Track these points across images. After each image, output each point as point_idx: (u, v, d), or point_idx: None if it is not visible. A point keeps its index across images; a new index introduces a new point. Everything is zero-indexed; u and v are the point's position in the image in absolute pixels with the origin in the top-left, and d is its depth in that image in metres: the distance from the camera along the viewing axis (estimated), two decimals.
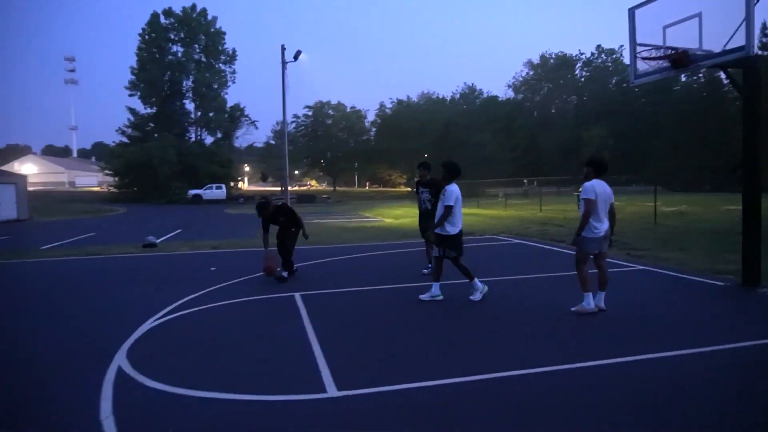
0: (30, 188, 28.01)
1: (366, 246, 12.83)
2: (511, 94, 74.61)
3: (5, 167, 46.13)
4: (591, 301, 5.77)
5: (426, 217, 7.98)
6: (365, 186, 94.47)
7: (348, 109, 78.02)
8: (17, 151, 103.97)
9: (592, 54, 70.08)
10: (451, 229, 6.44)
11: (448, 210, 6.36)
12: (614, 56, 68.30)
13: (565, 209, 23.42)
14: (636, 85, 10.85)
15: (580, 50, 70.61)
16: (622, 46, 65.85)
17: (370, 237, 15.05)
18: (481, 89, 75.00)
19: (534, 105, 72.14)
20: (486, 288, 6.66)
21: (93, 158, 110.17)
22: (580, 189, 5.93)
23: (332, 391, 3.84)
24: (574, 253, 6.06)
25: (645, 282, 7.74)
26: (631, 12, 7.67)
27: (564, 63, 70.28)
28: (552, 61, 71.05)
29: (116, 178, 52.38)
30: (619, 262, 9.09)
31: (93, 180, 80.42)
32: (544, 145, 61.39)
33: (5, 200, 23.46)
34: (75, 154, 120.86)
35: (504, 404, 3.60)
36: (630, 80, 8.18)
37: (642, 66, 7.61)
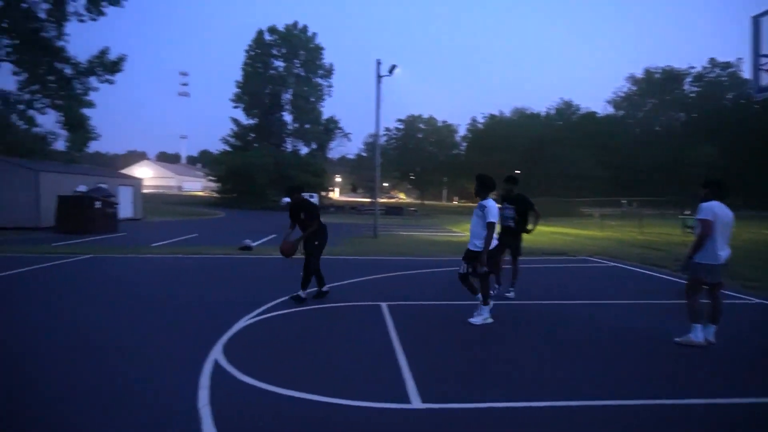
0: (144, 190, 30.56)
1: (453, 261, 12.70)
2: (610, 110, 71.19)
3: (125, 171, 50.88)
4: (700, 334, 5.31)
5: (507, 235, 7.60)
6: (453, 200, 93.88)
7: (439, 123, 78.22)
8: (135, 157, 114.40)
9: (704, 68, 65.14)
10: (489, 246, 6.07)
11: (493, 227, 5.94)
12: (730, 70, 63.02)
13: (669, 233, 21.82)
14: (759, 100, 9.95)
15: (689, 64, 65.72)
16: (740, 58, 60.64)
17: (457, 252, 14.87)
18: (578, 105, 72.27)
19: (636, 122, 68.24)
20: (491, 320, 6.22)
21: (199, 165, 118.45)
22: (689, 212, 5.53)
23: (416, 402, 3.82)
24: (678, 279, 5.62)
25: (761, 317, 7.00)
26: (755, 20, 7.07)
27: (671, 77, 65.88)
28: (657, 75, 66.90)
29: (218, 184, 56.01)
30: (732, 293, 8.31)
31: (198, 185, 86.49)
32: (645, 164, 57.71)
33: (124, 200, 25.77)
34: (184, 161, 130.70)
35: None
36: (753, 94, 7.52)
37: (766, 79, 6.97)
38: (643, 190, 48.97)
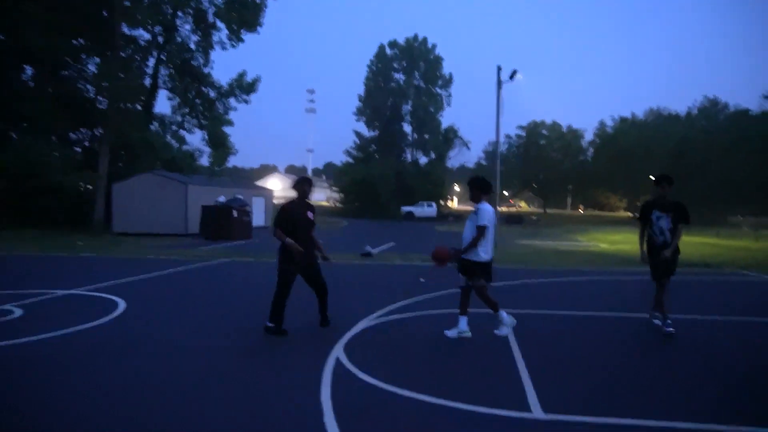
0: (275, 201, 32.83)
1: (578, 270, 12.01)
2: (767, 106, 62.88)
3: (258, 183, 55.19)
4: None
5: (660, 251, 5.97)
6: (578, 209, 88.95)
7: (564, 129, 74.72)
8: (267, 170, 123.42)
9: None
10: (485, 255, 5.63)
11: (482, 232, 5.52)
12: None
13: None
14: None
15: None
16: None
17: (583, 262, 14.05)
18: (726, 102, 64.80)
19: None
20: (515, 321, 5.78)
21: (324, 176, 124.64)
22: None
23: (537, 412, 3.66)
24: None
25: None
26: None
27: None
28: None
29: (341, 195, 58.47)
30: None
31: (322, 196, 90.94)
32: None
33: (257, 210, 27.92)
34: (310, 173, 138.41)
35: None
36: None
37: None
38: None
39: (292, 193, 6.03)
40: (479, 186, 5.73)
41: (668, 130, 58.96)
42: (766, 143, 52.58)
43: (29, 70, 26.66)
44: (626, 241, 22.26)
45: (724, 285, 10.11)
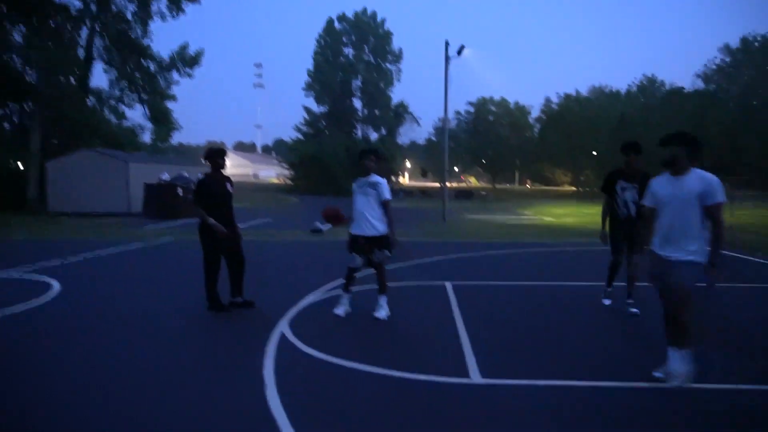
0: None
1: (522, 243, 12.39)
2: (700, 84, 66.00)
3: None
4: None
5: (629, 227, 5.49)
6: (525, 184, 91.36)
7: (511, 105, 76.04)
8: (223, 148, 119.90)
9: None
10: (382, 228, 5.37)
11: (390, 206, 5.38)
12: None
13: (765, 215, 20.11)
14: None
15: None
16: None
17: (528, 234, 14.50)
18: (662, 80, 67.63)
19: (731, 97, 62.83)
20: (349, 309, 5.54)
21: (273, 153, 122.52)
22: None
23: (476, 377, 3.80)
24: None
25: None
26: None
27: None
28: (757, 44, 61.16)
29: (291, 171, 57.64)
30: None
31: (272, 172, 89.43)
32: (742, 143, 53.05)
33: None
34: (259, 150, 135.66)
35: (657, 416, 3.22)
36: None
37: None
38: (741, 171, 45.25)
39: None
40: (379, 157, 5.58)
41: (610, 106, 61.09)
42: (696, 120, 55.35)
43: None
44: (570, 215, 23.14)
45: None
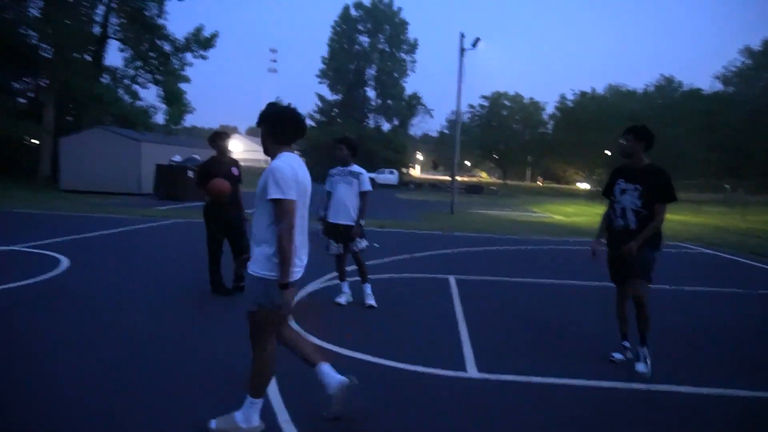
0: None
1: (530, 240, 12.36)
2: (719, 86, 65.00)
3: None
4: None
5: (624, 239, 3.96)
6: (537, 181, 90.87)
7: (526, 100, 75.46)
8: (227, 131, 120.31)
9: None
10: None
11: (367, 198, 5.41)
12: None
13: None
14: None
15: None
16: None
17: (536, 231, 14.45)
18: (680, 81, 66.68)
19: (748, 99, 61.85)
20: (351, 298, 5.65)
21: None
22: None
23: (472, 371, 3.82)
24: None
25: None
26: None
27: None
28: None
29: (303, 158, 57.78)
30: None
31: None
32: (757, 147, 52.27)
33: None
34: None
35: (654, 421, 3.23)
36: None
37: None
38: (755, 174, 44.64)
39: (221, 153, 5.72)
40: (352, 146, 5.46)
41: (625, 105, 60.37)
42: (710, 120, 54.38)
43: None
44: (581, 213, 23.01)
45: (666, 256, 10.60)
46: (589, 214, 23.21)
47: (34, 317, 4.66)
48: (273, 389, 3.30)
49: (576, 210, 26.26)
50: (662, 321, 5.06)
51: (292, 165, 2.71)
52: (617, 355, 4.17)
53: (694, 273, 8.79)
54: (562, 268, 8.53)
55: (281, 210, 2.59)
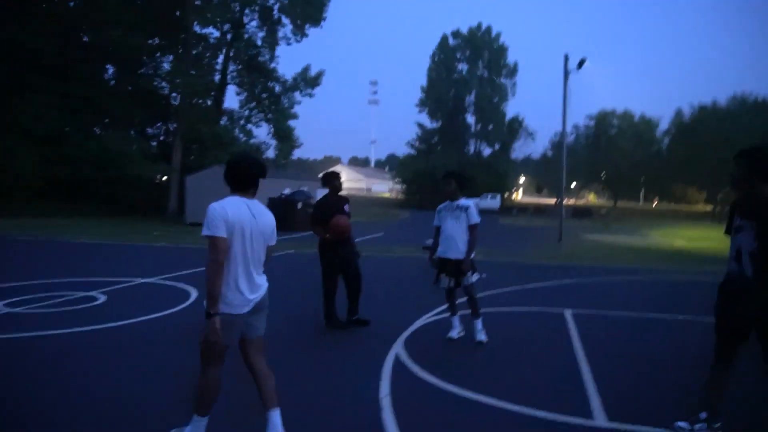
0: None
1: (649, 269, 11.46)
2: None
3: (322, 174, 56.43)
4: None
5: (738, 288, 3.31)
6: (651, 202, 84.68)
7: (636, 118, 71.15)
8: (330, 162, 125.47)
9: None
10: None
11: (477, 231, 5.34)
12: None
13: None
14: None
15: None
16: None
17: (655, 259, 13.40)
18: None
19: None
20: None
21: (386, 168, 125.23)
22: None
23: (601, 420, 3.55)
24: None
25: None
26: None
27: None
28: None
29: (404, 186, 58.58)
30: None
31: (385, 187, 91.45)
32: None
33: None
34: (372, 165, 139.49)
35: None
36: None
37: None
38: None
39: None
40: (464, 183, 5.54)
41: (755, 119, 54.58)
42: None
43: (110, 69, 28.44)
44: (706, 238, 21.05)
45: None
46: (715, 239, 21.10)
47: (170, 348, 5.07)
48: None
49: (700, 234, 24.06)
50: None
51: (223, 205, 2.98)
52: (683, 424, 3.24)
53: None
54: (690, 302, 7.75)
55: (210, 245, 2.87)
